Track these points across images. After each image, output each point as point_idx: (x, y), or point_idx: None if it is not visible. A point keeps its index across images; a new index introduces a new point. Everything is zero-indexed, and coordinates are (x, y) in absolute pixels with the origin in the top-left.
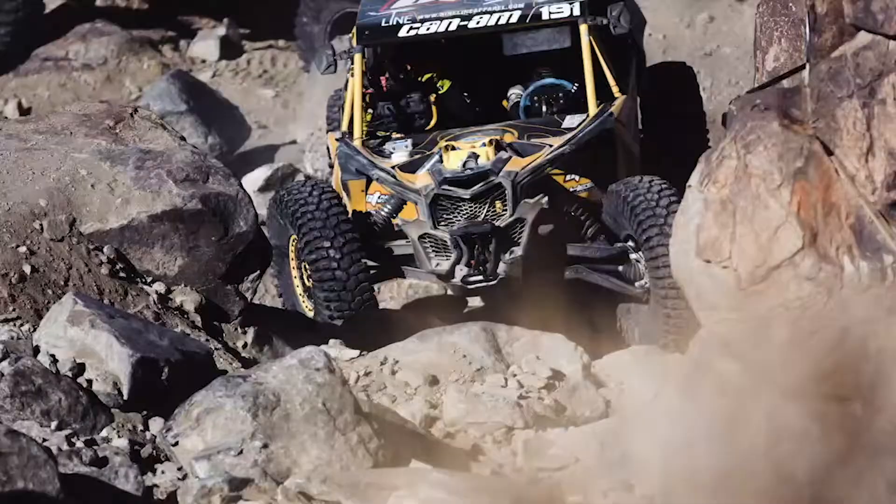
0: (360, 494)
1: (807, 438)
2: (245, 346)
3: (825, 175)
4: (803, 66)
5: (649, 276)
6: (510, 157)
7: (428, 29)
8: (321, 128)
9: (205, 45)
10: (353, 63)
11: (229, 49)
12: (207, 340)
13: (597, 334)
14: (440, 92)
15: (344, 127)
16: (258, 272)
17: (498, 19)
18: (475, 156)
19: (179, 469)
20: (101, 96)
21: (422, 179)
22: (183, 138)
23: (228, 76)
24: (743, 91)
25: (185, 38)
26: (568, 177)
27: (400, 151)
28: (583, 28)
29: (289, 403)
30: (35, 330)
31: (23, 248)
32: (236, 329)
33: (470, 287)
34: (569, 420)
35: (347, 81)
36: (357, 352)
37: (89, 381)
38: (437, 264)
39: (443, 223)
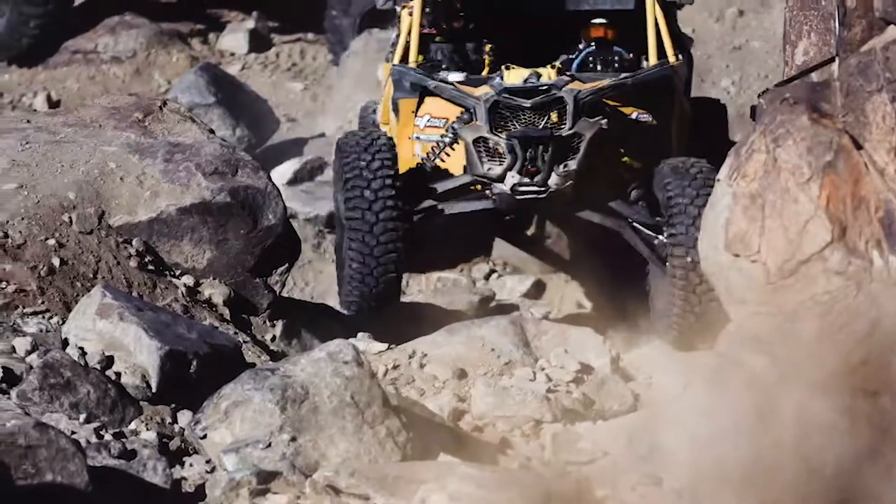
0: (389, 488)
1: (835, 432)
2: (273, 339)
3: (854, 169)
4: (832, 60)
5: (669, 256)
6: (573, 80)
7: None
8: (350, 121)
9: (234, 38)
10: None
11: (258, 42)
12: (236, 333)
13: (622, 307)
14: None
15: (396, 58)
16: (287, 265)
17: None
18: (537, 74)
19: (208, 462)
20: (130, 89)
21: (482, 90)
22: (212, 131)
23: (257, 69)
24: (772, 85)
25: (214, 30)
26: (628, 109)
27: (457, 75)
28: None
29: (317, 396)
30: (64, 322)
31: (52, 241)
32: (265, 322)
33: (518, 197)
34: (597, 414)
35: (399, 22)
36: (385, 345)
37: (118, 374)
38: (490, 168)
39: (500, 130)
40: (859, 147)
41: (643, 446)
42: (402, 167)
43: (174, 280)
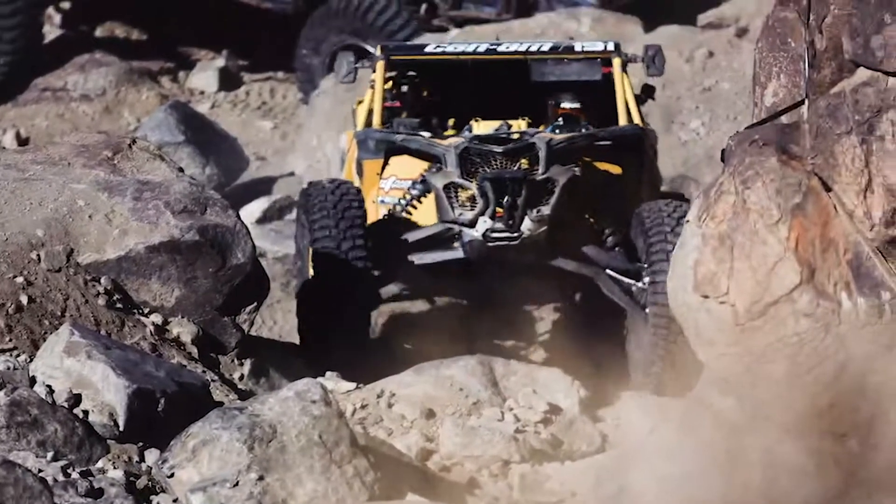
0: None
1: (804, 475)
2: (241, 377)
3: (823, 211)
4: (802, 102)
5: (649, 303)
6: (543, 131)
7: (455, 49)
8: (319, 160)
9: (204, 77)
10: (374, 71)
11: (228, 80)
12: (204, 372)
13: (596, 356)
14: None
15: (359, 126)
16: (255, 304)
17: (528, 47)
18: (508, 125)
19: (175, 501)
20: (100, 127)
21: (451, 140)
22: (181, 169)
23: (227, 107)
24: (742, 127)
25: (184, 69)
26: (600, 164)
27: (424, 133)
28: (616, 61)
29: (285, 436)
30: (31, 360)
31: (20, 279)
32: (233, 361)
33: (490, 244)
34: (565, 454)
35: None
36: (353, 384)
37: (85, 412)
38: (461, 214)
39: (470, 178)
40: (828, 189)
41: (611, 487)
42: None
43: (142, 318)
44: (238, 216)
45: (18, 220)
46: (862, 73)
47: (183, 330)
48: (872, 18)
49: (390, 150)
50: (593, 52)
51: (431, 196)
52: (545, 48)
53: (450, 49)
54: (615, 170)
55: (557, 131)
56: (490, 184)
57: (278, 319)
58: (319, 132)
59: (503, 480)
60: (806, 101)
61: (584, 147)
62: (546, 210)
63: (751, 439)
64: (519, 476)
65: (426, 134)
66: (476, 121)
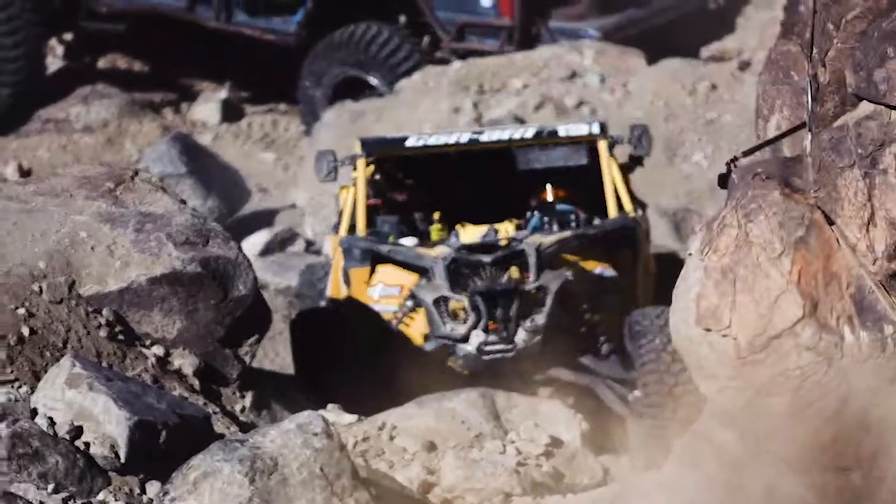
0: None
1: None
2: (243, 409)
3: (826, 244)
4: (802, 125)
5: (644, 415)
6: (532, 234)
7: (437, 140)
8: (322, 192)
9: (206, 108)
10: (355, 169)
11: (230, 112)
12: (205, 404)
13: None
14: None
15: (342, 231)
16: (257, 336)
17: (511, 134)
18: (495, 230)
19: None
20: (102, 158)
21: (438, 250)
22: (183, 201)
23: (229, 139)
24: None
25: (187, 100)
26: (591, 264)
27: (409, 240)
28: (601, 143)
29: (286, 468)
30: (33, 392)
31: (21, 311)
32: (234, 393)
33: (485, 357)
34: (567, 488)
35: (337, 200)
36: (355, 416)
37: (87, 444)
38: (453, 329)
39: (459, 289)
40: (831, 222)
41: None
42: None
43: (144, 350)
44: (240, 248)
45: (20, 251)
46: (865, 107)
47: (184, 362)
48: (875, 52)
49: (376, 258)
50: (578, 136)
51: (421, 312)
52: (528, 134)
53: (431, 141)
54: (608, 268)
55: (545, 225)
56: (481, 297)
57: (280, 351)
58: None
59: None
60: (809, 134)
61: (573, 249)
62: (540, 319)
63: (752, 474)
64: None
65: (412, 241)
66: (462, 226)
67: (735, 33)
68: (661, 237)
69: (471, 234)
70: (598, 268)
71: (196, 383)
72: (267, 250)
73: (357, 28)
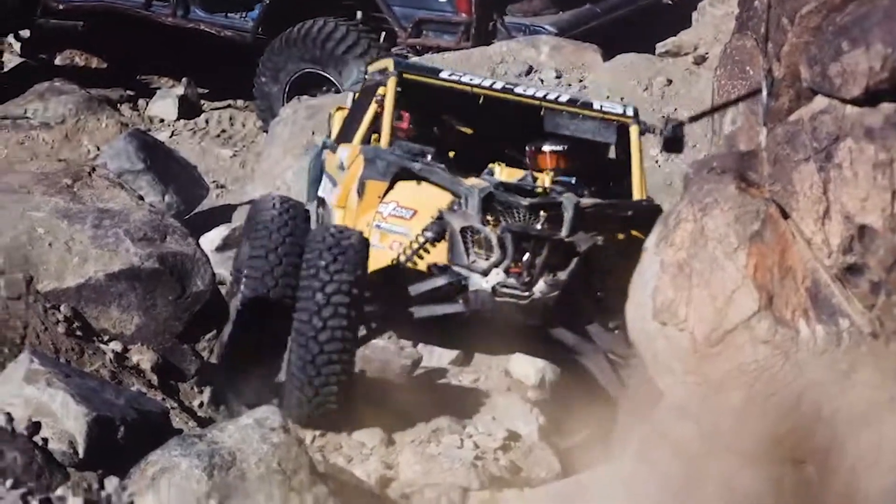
0: None
1: (762, 501)
2: (201, 405)
3: (781, 238)
4: (738, 101)
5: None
6: (570, 192)
7: (471, 80)
8: (279, 187)
9: (163, 105)
10: (385, 86)
11: (187, 108)
12: (164, 399)
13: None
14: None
15: (356, 142)
16: (215, 331)
17: (546, 94)
18: (533, 176)
19: None
20: (59, 155)
21: (474, 181)
22: (141, 197)
23: (186, 135)
24: (700, 155)
25: (144, 97)
26: (617, 235)
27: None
28: (633, 127)
29: (244, 463)
30: None
31: None
32: (192, 388)
33: (498, 298)
34: (524, 481)
35: (355, 100)
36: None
37: (45, 440)
38: (475, 261)
39: (490, 225)
40: (786, 216)
41: None
42: None
43: (102, 346)
44: (198, 244)
45: None
46: (820, 101)
47: (142, 357)
48: (830, 46)
49: (397, 175)
50: (611, 113)
51: (441, 244)
52: (563, 99)
53: (465, 79)
54: (631, 244)
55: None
56: (512, 237)
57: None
58: (279, 159)
59: None
60: (763, 129)
61: (608, 216)
62: (562, 275)
63: (709, 467)
64: (478, 503)
65: (441, 167)
66: (499, 165)
67: (691, 28)
68: None
69: (508, 174)
70: (623, 240)
71: (154, 379)
72: (224, 246)
73: (314, 24)
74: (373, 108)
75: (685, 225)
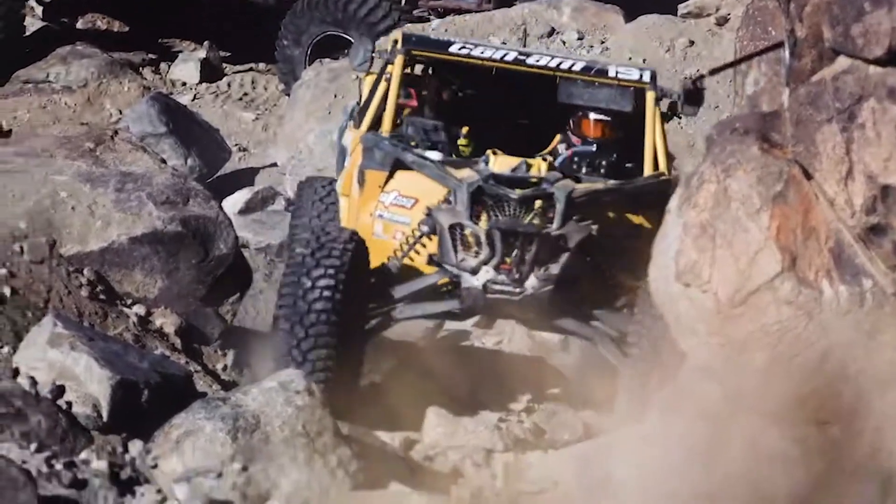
0: None
1: (786, 462)
2: (225, 368)
3: (804, 199)
4: (760, 54)
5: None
6: (565, 177)
7: (482, 53)
8: (301, 150)
9: (185, 68)
10: (392, 64)
11: (210, 72)
12: (187, 363)
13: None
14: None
15: (364, 126)
16: (238, 295)
17: (560, 64)
18: (527, 165)
19: (159, 492)
20: (82, 118)
21: (465, 173)
22: (163, 161)
23: (209, 99)
24: (723, 116)
25: (166, 60)
26: (619, 216)
27: (435, 154)
28: (650, 95)
29: (268, 426)
30: (15, 352)
31: (3, 271)
32: (216, 351)
33: (489, 295)
34: (548, 443)
35: (361, 86)
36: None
37: (69, 404)
38: (463, 259)
39: (477, 219)
40: (809, 177)
41: (594, 476)
42: None
43: (125, 309)
44: (220, 207)
45: (1, 212)
46: (842, 62)
47: (166, 321)
48: (852, 6)
49: (396, 166)
50: (627, 80)
51: (432, 240)
52: (577, 67)
53: (475, 52)
54: (636, 224)
55: (574, 164)
56: (500, 234)
57: (261, 310)
58: (301, 123)
59: (486, 470)
60: (786, 90)
61: (605, 203)
62: (555, 269)
63: (733, 427)
64: (502, 465)
65: (437, 155)
66: (494, 153)
67: None
68: None
69: (502, 163)
70: (627, 221)
71: (177, 342)
72: (247, 209)
73: None
74: (382, 86)
75: (708, 186)
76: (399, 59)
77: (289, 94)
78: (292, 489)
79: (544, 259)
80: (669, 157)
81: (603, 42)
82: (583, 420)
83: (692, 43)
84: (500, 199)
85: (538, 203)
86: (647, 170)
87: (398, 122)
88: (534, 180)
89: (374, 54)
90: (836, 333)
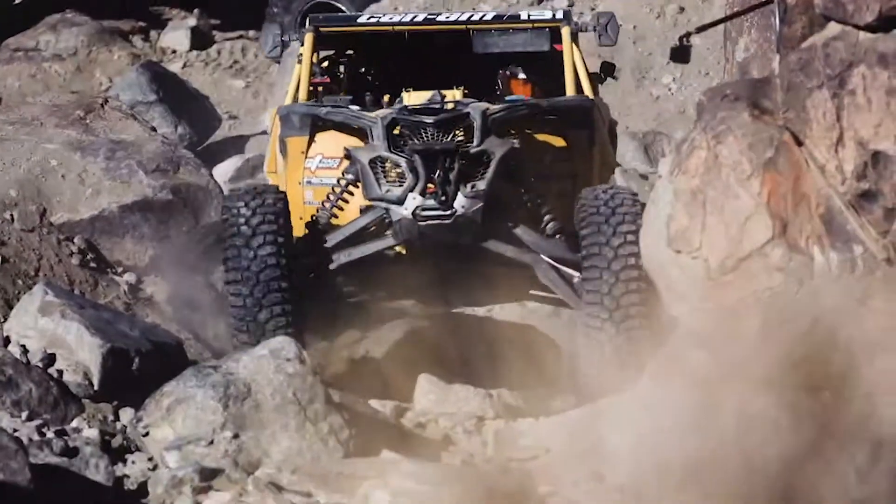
0: (331, 484)
1: (777, 428)
2: (215, 336)
3: (795, 165)
4: (747, 12)
5: (583, 307)
6: (481, 101)
7: (391, 19)
8: None
9: (175, 36)
10: (302, 45)
11: (200, 39)
12: (178, 331)
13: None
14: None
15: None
16: None
17: (470, 17)
18: (441, 94)
19: (150, 459)
20: (72, 87)
21: (380, 111)
22: (153, 129)
23: (199, 66)
24: (713, 82)
25: (156, 28)
26: (543, 136)
27: (352, 107)
28: (565, 30)
29: (259, 394)
30: (5, 320)
31: None
32: (207, 319)
33: (421, 223)
34: (539, 410)
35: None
36: (326, 342)
37: (60, 372)
38: (388, 190)
39: (399, 151)
40: (800, 143)
41: (585, 443)
42: (294, 216)
43: (116, 277)
44: (211, 175)
45: None
46: (833, 28)
47: (157, 289)
48: None
49: (315, 126)
50: (541, 20)
51: (357, 191)
52: (488, 17)
53: (384, 20)
54: (560, 145)
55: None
56: (419, 156)
57: None
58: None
59: (477, 437)
60: (777, 55)
61: (524, 119)
62: (481, 185)
63: (724, 394)
64: (493, 432)
65: (354, 107)
66: (407, 91)
67: None
68: (630, 160)
69: (416, 98)
70: (549, 141)
71: (168, 310)
72: (237, 177)
73: None
74: (297, 68)
75: (699, 152)
76: (309, 37)
77: (279, 62)
78: (283, 456)
79: (469, 175)
80: (594, 87)
81: (593, 9)
82: (573, 387)
83: (682, 9)
84: (417, 128)
85: (458, 130)
86: (569, 93)
87: (315, 100)
88: (449, 106)
89: (284, 39)
90: (826, 299)
